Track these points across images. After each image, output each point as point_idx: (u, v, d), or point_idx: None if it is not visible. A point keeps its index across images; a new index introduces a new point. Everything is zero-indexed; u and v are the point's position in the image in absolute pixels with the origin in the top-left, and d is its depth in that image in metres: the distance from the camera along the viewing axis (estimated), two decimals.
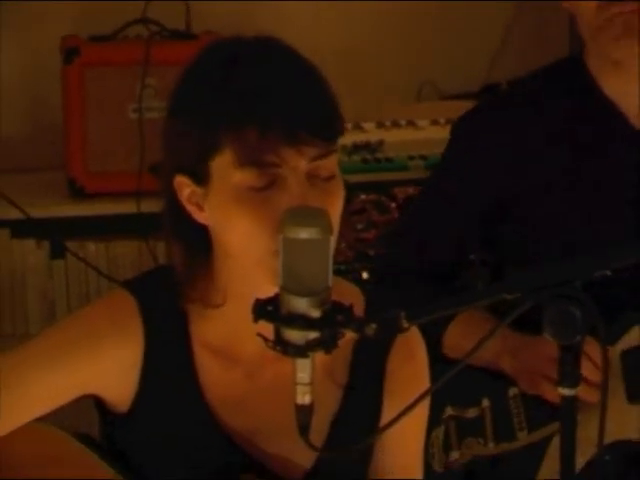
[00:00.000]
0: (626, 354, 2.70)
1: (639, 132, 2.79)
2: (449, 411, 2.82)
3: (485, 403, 2.83)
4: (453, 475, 2.83)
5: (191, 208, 2.07)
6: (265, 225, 1.99)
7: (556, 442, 2.71)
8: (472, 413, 2.83)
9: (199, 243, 2.10)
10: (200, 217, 2.07)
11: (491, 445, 2.81)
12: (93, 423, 2.25)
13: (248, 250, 2.03)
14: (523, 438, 2.79)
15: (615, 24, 2.69)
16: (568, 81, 2.84)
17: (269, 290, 1.90)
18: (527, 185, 2.82)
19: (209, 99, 2.03)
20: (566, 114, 2.81)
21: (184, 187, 2.07)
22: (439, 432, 2.83)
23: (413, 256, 2.95)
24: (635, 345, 2.71)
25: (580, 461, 2.64)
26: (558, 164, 2.80)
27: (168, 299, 2.15)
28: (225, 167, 2.02)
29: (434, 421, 2.77)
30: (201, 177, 2.05)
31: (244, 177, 2.00)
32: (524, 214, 2.86)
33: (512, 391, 2.82)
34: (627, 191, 2.77)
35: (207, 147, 2.03)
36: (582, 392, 2.62)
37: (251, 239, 2.02)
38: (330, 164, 2.03)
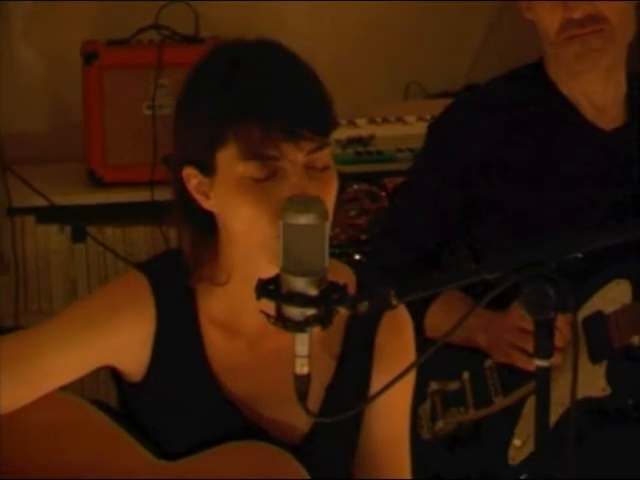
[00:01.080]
0: (588, 319, 2.74)
1: (593, 125, 2.81)
2: (433, 386, 2.85)
3: (465, 376, 2.85)
4: (440, 441, 2.84)
5: (198, 197, 2.08)
6: (266, 213, 2.00)
7: (529, 404, 2.75)
8: (454, 386, 2.85)
9: (206, 228, 2.10)
10: (207, 205, 2.08)
11: (472, 411, 2.83)
12: (110, 392, 2.25)
13: (250, 235, 2.04)
14: (499, 402, 2.80)
15: (575, 43, 2.72)
16: (532, 83, 2.87)
17: (270, 271, 1.91)
18: (495, 177, 2.83)
19: (215, 97, 2.03)
20: (530, 113, 2.84)
21: (192, 177, 2.07)
22: (426, 405, 2.85)
23: (397, 251, 2.96)
24: (596, 310, 2.74)
25: (552, 419, 2.67)
26: (524, 157, 2.82)
27: (177, 279, 2.15)
28: (229, 159, 2.02)
29: (420, 396, 2.80)
30: (207, 168, 2.05)
31: (247, 169, 2.01)
32: (494, 204, 2.86)
33: (487, 363, 2.84)
34: (584, 180, 2.80)
35: (213, 141, 2.03)
36: None
37: (253, 225, 2.02)
38: (325, 156, 2.03)
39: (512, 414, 2.77)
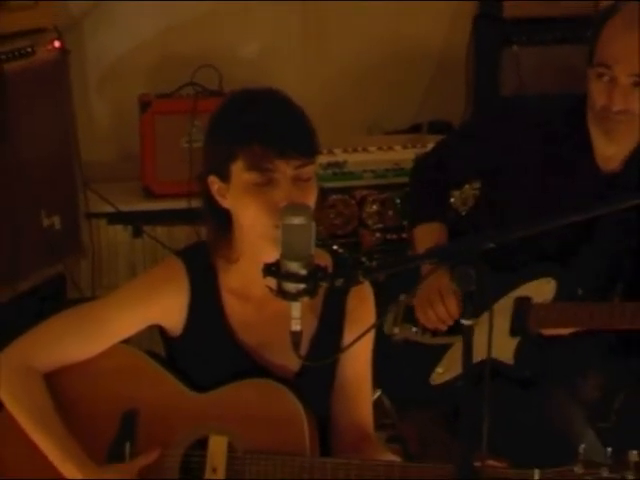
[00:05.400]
0: (518, 300, 2.61)
1: (599, 169, 2.60)
2: (402, 297, 2.73)
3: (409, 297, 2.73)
4: (395, 344, 2.74)
5: (218, 198, 2.08)
6: (265, 209, 2.00)
7: (456, 346, 2.65)
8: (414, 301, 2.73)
9: (224, 221, 2.10)
10: (224, 204, 2.08)
11: (419, 334, 2.71)
12: (158, 345, 2.23)
13: (254, 226, 2.04)
14: (440, 336, 2.69)
15: (609, 122, 2.52)
16: (569, 113, 2.63)
17: (269, 253, 1.92)
18: (510, 166, 2.64)
19: (230, 126, 2.03)
20: (555, 135, 2.62)
21: (214, 184, 2.07)
22: (393, 309, 2.75)
23: (434, 163, 2.81)
24: (527, 295, 2.60)
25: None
26: (532, 162, 2.62)
27: (204, 261, 2.15)
28: (239, 171, 2.03)
29: (393, 300, 2.72)
30: (225, 177, 2.05)
31: (250, 177, 2.01)
32: (494, 184, 2.71)
33: None
34: (570, 197, 2.56)
35: (228, 157, 2.03)
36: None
37: (256, 219, 2.02)
38: (308, 171, 2.03)
39: (442, 348, 2.67)
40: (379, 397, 2.73)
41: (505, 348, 2.58)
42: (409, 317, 2.73)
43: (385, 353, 2.63)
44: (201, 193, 2.10)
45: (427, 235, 2.72)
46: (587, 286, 2.58)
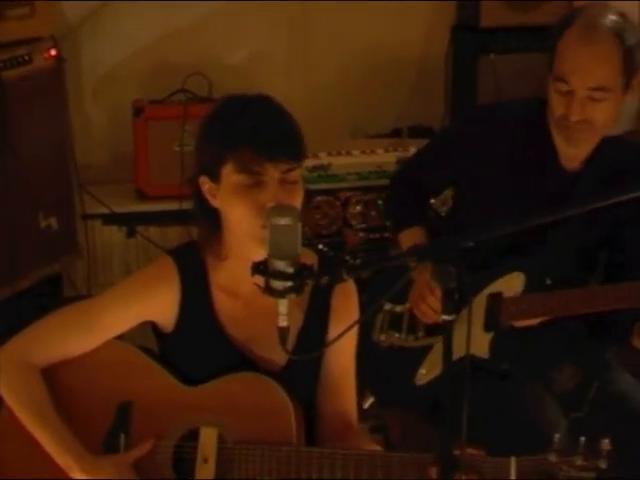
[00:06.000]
0: (490, 296, 2.60)
1: (563, 168, 2.59)
2: (387, 305, 2.74)
3: (407, 305, 2.72)
4: (381, 349, 2.74)
5: (209, 198, 2.07)
6: (252, 210, 1.99)
7: (436, 347, 2.66)
8: (399, 309, 2.74)
9: (214, 220, 2.09)
10: (214, 203, 2.07)
11: (403, 337, 2.72)
12: (151, 341, 2.22)
13: (242, 225, 2.02)
14: (421, 338, 2.70)
15: (568, 130, 2.49)
16: (534, 117, 2.59)
17: (256, 251, 1.92)
18: (482, 169, 2.62)
19: (222, 130, 2.02)
20: (522, 138, 2.59)
21: (205, 184, 2.06)
22: (379, 317, 2.74)
23: (412, 172, 2.81)
24: (499, 291, 2.59)
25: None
26: (503, 164, 2.60)
27: (195, 259, 2.13)
28: (229, 172, 2.02)
29: (379, 310, 2.73)
30: (215, 178, 2.04)
31: (239, 179, 2.00)
32: (469, 186, 2.69)
33: None
34: (539, 196, 2.56)
35: (219, 159, 2.02)
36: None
37: (243, 218, 2.01)
38: (295, 175, 2.02)
39: (424, 351, 2.69)
40: (366, 396, 2.74)
41: (480, 343, 2.58)
42: (393, 324, 2.74)
43: (372, 359, 2.65)
44: (192, 192, 2.09)
45: (410, 239, 2.72)
46: (556, 276, 2.58)
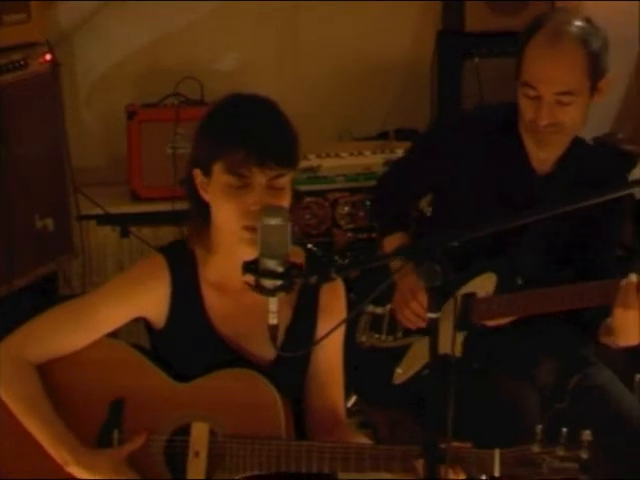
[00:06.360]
0: (463, 297, 2.57)
1: (534, 171, 2.58)
2: (370, 307, 2.73)
3: (388, 307, 2.72)
4: (363, 350, 2.73)
5: (200, 190, 2.07)
6: (236, 210, 1.99)
7: (414, 347, 2.66)
8: (380, 311, 2.73)
9: (204, 211, 2.08)
10: (205, 196, 2.07)
11: (383, 338, 2.72)
12: (144, 339, 2.21)
13: (227, 224, 2.02)
14: (400, 339, 2.70)
15: (538, 134, 2.50)
16: (506, 121, 2.58)
17: (239, 249, 1.96)
18: (459, 173, 2.62)
19: (218, 128, 2.02)
20: (495, 142, 2.59)
21: (198, 176, 2.06)
22: (362, 319, 2.74)
23: (392, 182, 2.82)
24: (471, 291, 2.58)
25: (422, 362, 2.61)
26: (478, 168, 2.60)
27: (185, 257, 2.13)
28: (220, 170, 2.01)
29: (362, 313, 2.73)
30: (207, 172, 2.04)
31: (228, 179, 2.00)
32: (448, 190, 2.68)
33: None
34: (512, 198, 2.56)
35: (212, 156, 2.02)
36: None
37: (227, 218, 2.01)
38: (283, 181, 2.01)
39: (403, 351, 2.68)
40: (349, 395, 2.73)
41: (452, 344, 2.58)
42: (375, 326, 2.74)
43: (355, 360, 2.63)
44: (186, 183, 2.09)
45: (393, 244, 2.73)
46: (527, 276, 2.58)
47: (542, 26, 2.47)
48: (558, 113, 2.45)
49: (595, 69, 2.45)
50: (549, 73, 2.43)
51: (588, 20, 2.49)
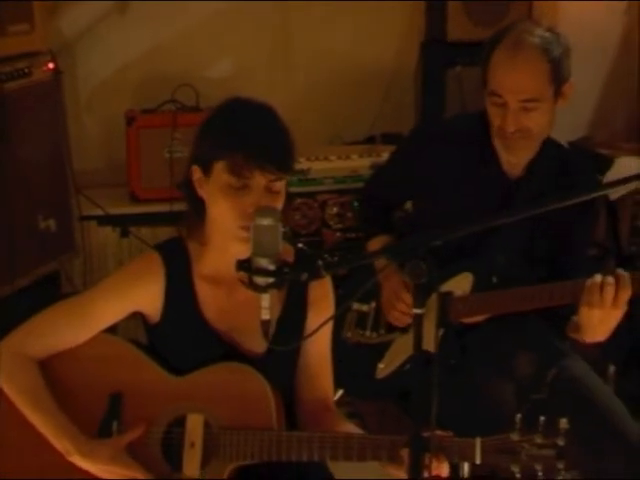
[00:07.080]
0: (441, 295, 2.57)
1: (505, 175, 2.59)
2: (355, 305, 2.73)
3: (372, 304, 2.73)
4: (348, 346, 2.73)
5: (197, 187, 2.06)
6: (234, 210, 1.99)
7: (397, 342, 2.66)
8: (365, 308, 2.74)
9: (199, 207, 2.08)
10: (201, 193, 2.06)
11: (367, 334, 2.72)
12: (140, 335, 2.20)
13: (223, 223, 2.02)
14: (382, 335, 2.70)
15: (506, 140, 2.50)
16: (477, 128, 2.59)
17: (233, 246, 1.96)
18: (435, 178, 2.63)
19: (222, 130, 2.01)
20: (469, 148, 2.60)
21: (196, 173, 2.05)
22: (349, 316, 2.74)
23: (374, 190, 2.84)
24: (449, 290, 2.57)
25: (403, 357, 2.62)
26: (453, 175, 2.60)
27: (179, 252, 2.13)
28: (220, 170, 2.00)
29: (348, 309, 2.72)
30: (206, 170, 2.03)
31: (229, 179, 1.99)
32: (426, 196, 2.68)
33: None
34: (487, 202, 2.58)
35: (213, 156, 2.01)
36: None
37: (224, 216, 2.01)
38: (280, 185, 2.02)
39: (385, 347, 2.68)
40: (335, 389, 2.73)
41: (431, 340, 2.57)
42: (360, 322, 2.74)
43: (341, 355, 2.65)
44: (184, 176, 2.08)
45: (377, 246, 2.74)
46: (501, 275, 2.58)
47: (505, 37, 2.48)
48: (524, 119, 2.46)
49: (557, 75, 2.46)
50: (513, 81, 2.44)
51: (550, 29, 2.50)
